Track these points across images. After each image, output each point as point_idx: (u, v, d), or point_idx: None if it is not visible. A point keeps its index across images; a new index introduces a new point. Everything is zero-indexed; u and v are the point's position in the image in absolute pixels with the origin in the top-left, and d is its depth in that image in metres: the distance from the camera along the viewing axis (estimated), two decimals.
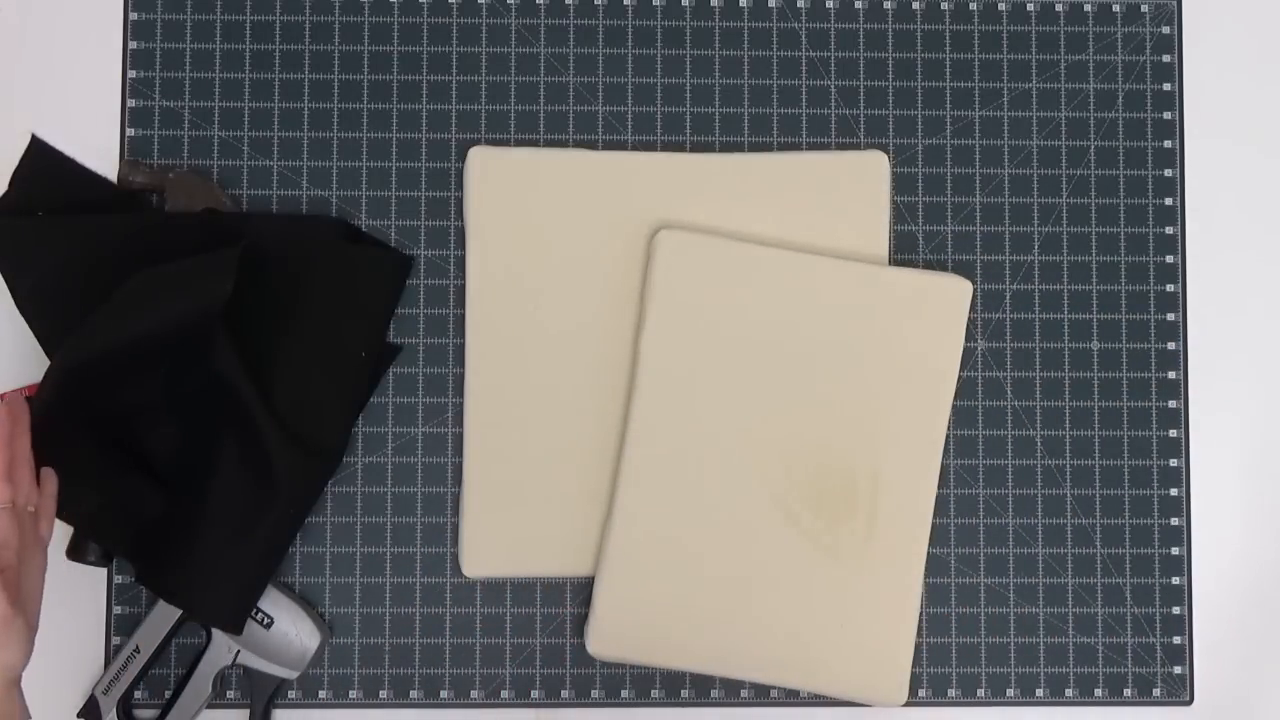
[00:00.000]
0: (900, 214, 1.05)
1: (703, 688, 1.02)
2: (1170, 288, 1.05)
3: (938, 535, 1.02)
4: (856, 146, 1.05)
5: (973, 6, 1.06)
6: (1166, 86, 1.06)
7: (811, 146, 1.05)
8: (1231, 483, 1.05)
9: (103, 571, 1.00)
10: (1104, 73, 1.06)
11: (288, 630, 0.98)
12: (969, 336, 1.03)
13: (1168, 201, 1.05)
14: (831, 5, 1.05)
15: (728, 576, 0.99)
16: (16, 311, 0.98)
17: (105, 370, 0.92)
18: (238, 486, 0.96)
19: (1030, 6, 1.06)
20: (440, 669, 1.01)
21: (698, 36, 1.05)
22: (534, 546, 1.01)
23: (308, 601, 1.00)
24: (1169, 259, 1.05)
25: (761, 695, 1.02)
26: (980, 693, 1.02)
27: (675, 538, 0.99)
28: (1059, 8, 1.06)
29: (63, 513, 0.91)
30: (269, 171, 1.03)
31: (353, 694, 1.01)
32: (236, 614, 0.96)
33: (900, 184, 1.05)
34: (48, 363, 0.95)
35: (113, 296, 0.92)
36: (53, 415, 0.90)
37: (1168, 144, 1.06)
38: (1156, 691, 1.03)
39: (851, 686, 0.99)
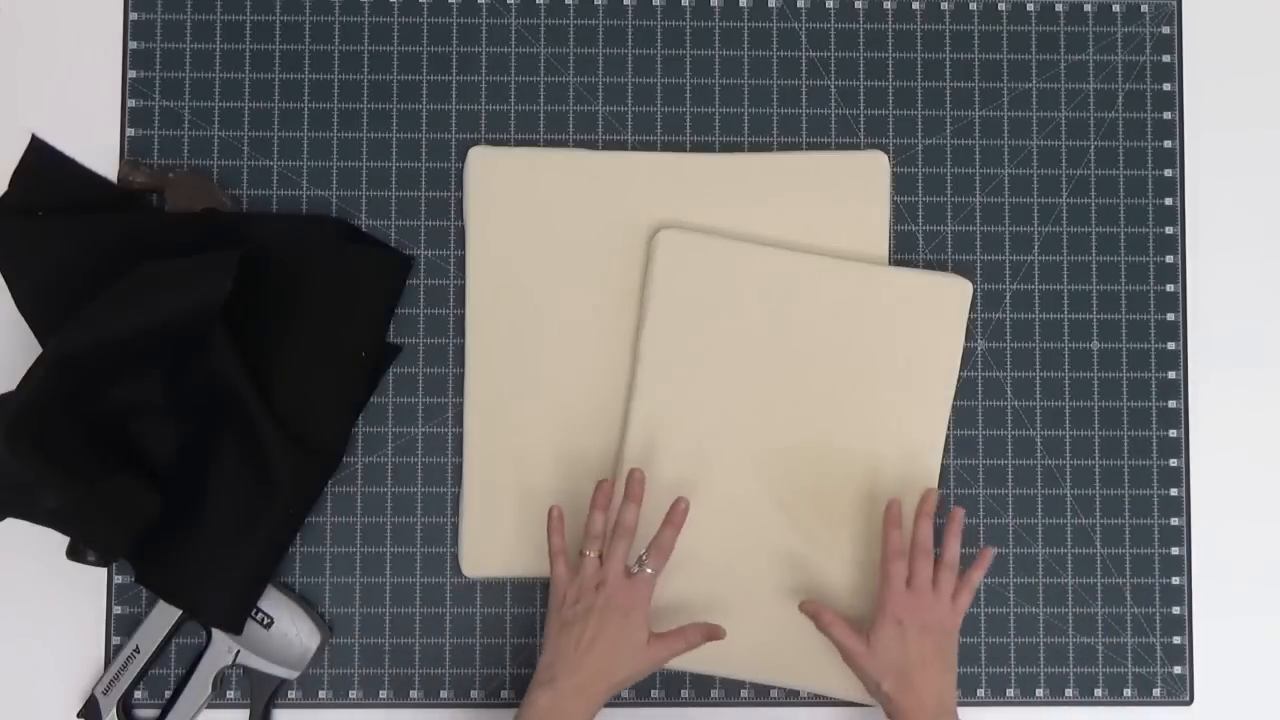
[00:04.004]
0: (900, 214, 1.05)
1: (703, 688, 1.02)
2: (1170, 288, 1.05)
3: (938, 535, 1.02)
4: (856, 146, 1.05)
5: (973, 6, 1.06)
6: (1166, 86, 1.06)
7: (811, 146, 1.05)
8: (1231, 483, 1.04)
9: (103, 571, 1.00)
10: (1104, 73, 1.06)
11: (288, 630, 0.98)
12: (969, 336, 1.03)
13: (1168, 201, 1.05)
14: (831, 5, 1.05)
15: (727, 576, 0.99)
16: (16, 311, 0.98)
17: (100, 362, 0.92)
18: (238, 487, 0.96)
19: (1030, 6, 1.06)
20: (440, 669, 1.01)
21: (698, 36, 1.05)
22: (534, 546, 1.01)
23: (308, 601, 1.00)
24: (1169, 259, 1.05)
25: (761, 695, 1.02)
26: (980, 693, 1.02)
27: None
28: (1059, 8, 1.06)
29: (56, 522, 0.92)
30: (269, 171, 1.03)
31: (353, 694, 1.01)
32: (236, 614, 0.96)
33: (900, 184, 1.05)
34: None
35: (112, 288, 0.92)
36: (41, 405, 0.90)
37: (1168, 144, 1.06)
38: (1156, 691, 1.03)
39: (852, 687, 0.99)
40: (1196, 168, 1.06)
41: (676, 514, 0.93)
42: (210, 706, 0.99)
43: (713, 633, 0.93)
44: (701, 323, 1.00)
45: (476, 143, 1.03)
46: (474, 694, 1.01)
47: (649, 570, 0.92)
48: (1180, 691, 1.03)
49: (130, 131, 1.03)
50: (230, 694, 1.00)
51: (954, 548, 0.95)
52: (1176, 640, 1.03)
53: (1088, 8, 1.06)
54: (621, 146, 1.04)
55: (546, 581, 1.02)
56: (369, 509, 1.01)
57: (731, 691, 1.02)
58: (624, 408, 1.01)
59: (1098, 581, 1.03)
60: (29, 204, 1.00)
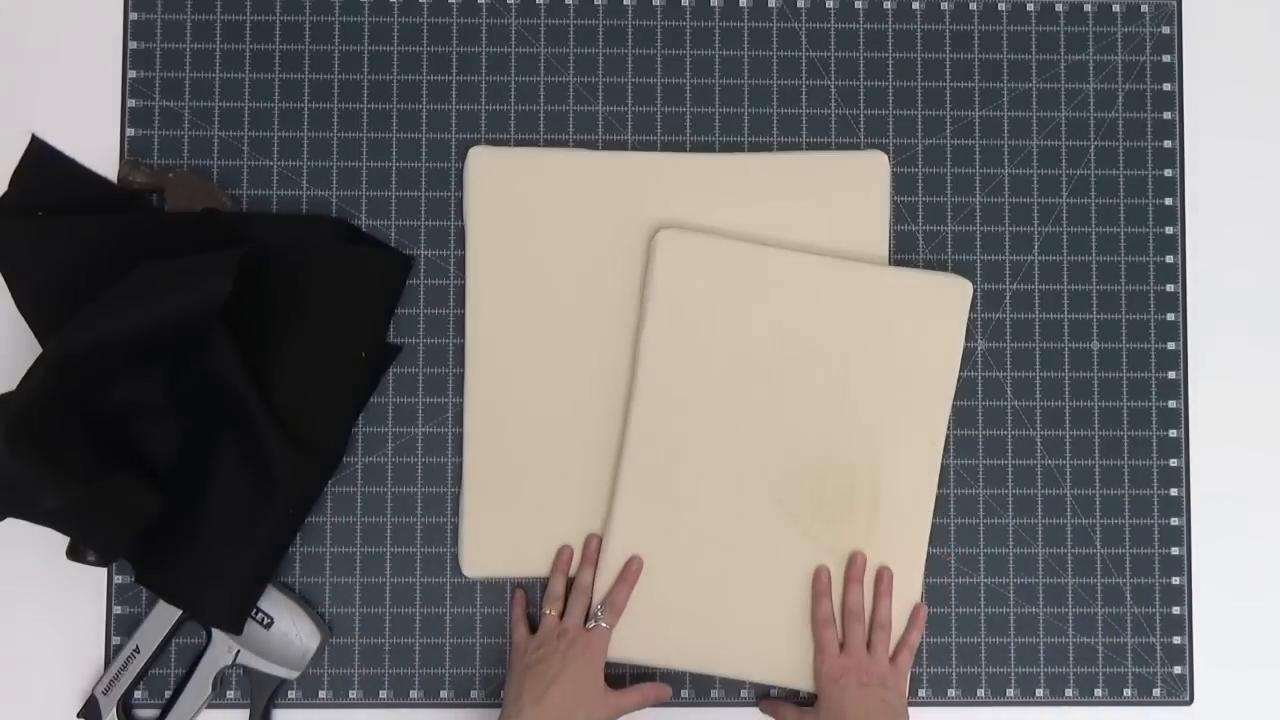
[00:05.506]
0: (900, 214, 1.05)
1: (703, 688, 1.02)
2: (1170, 288, 1.05)
3: (938, 535, 1.02)
4: (856, 146, 1.05)
5: (973, 6, 1.06)
6: (1166, 86, 1.06)
7: (811, 146, 1.05)
8: (1231, 483, 1.04)
9: (103, 571, 1.00)
10: (1104, 73, 1.06)
11: (288, 630, 0.98)
12: (969, 336, 1.03)
13: (1168, 201, 1.05)
14: (831, 5, 1.05)
15: (728, 576, 0.99)
16: (16, 311, 0.98)
17: (100, 363, 0.92)
18: (238, 487, 0.96)
19: (1030, 6, 1.06)
20: (440, 669, 1.01)
21: (698, 36, 1.05)
22: (534, 546, 1.01)
23: (308, 601, 1.00)
24: (1169, 259, 1.05)
25: (761, 695, 1.02)
26: (980, 693, 1.02)
27: (675, 537, 0.99)
28: (1059, 8, 1.06)
29: (56, 522, 0.92)
30: (269, 171, 1.03)
31: (353, 694, 1.01)
32: (236, 614, 0.96)
33: (900, 184, 1.05)
34: None
35: (112, 288, 0.92)
36: (41, 405, 0.90)
37: (1168, 144, 1.06)
38: (1156, 691, 1.03)
39: None
40: (1196, 168, 1.06)
41: (630, 573, 0.98)
42: (210, 706, 0.99)
43: (662, 694, 0.99)
44: (701, 323, 1.00)
45: (476, 143, 1.03)
46: (474, 694, 1.01)
47: (604, 624, 0.96)
48: (1180, 691, 1.03)
49: (130, 131, 1.03)
50: (230, 694, 1.00)
51: (884, 608, 0.99)
52: (1176, 640, 1.03)
53: (1088, 8, 1.06)
54: (621, 146, 1.04)
55: (546, 582, 1.02)
56: (369, 509, 1.02)
57: (731, 691, 1.02)
58: (624, 408, 1.01)
59: (1098, 581, 1.03)
60: (29, 204, 1.00)
